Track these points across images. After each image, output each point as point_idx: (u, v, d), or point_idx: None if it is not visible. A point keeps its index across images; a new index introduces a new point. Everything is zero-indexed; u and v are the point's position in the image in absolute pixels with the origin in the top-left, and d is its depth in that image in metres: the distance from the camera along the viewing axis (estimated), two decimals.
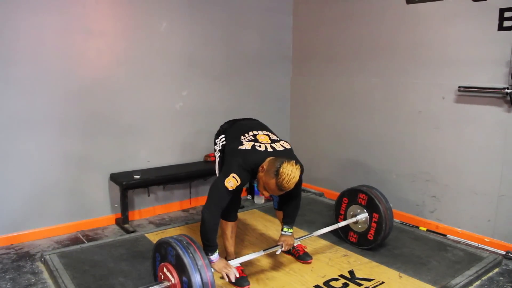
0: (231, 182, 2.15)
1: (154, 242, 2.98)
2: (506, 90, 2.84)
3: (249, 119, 2.76)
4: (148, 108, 3.60)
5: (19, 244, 3.09)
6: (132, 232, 3.27)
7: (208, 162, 3.93)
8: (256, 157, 2.21)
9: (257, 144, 2.28)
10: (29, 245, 3.09)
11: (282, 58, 4.47)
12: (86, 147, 3.33)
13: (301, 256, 2.75)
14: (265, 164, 2.18)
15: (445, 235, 3.26)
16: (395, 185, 3.61)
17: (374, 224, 2.84)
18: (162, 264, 2.08)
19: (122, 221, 3.42)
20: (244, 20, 4.10)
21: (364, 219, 2.89)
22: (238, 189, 2.22)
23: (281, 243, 2.50)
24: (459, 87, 3.07)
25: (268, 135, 2.43)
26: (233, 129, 2.53)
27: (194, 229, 3.28)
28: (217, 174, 2.54)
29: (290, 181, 2.09)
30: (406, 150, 3.52)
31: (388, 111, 3.64)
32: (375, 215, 2.83)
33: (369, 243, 2.88)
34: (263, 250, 2.45)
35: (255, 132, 2.41)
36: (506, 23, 2.82)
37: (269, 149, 2.27)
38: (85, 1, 3.17)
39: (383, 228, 2.79)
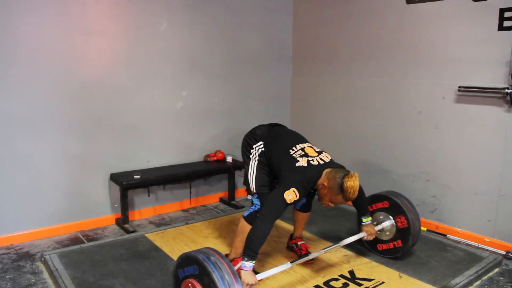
0: (291, 195, 2.20)
1: (154, 242, 3.02)
2: (506, 90, 2.84)
3: (279, 125, 2.76)
4: (148, 108, 3.60)
5: (19, 244, 3.09)
6: (132, 232, 3.27)
7: (208, 162, 3.93)
8: (314, 173, 2.30)
9: (309, 158, 2.37)
10: (29, 245, 3.09)
11: (282, 58, 4.46)
12: (86, 147, 3.33)
13: (302, 255, 2.75)
14: (325, 181, 2.26)
15: (445, 235, 3.26)
16: (395, 185, 3.61)
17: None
18: (194, 280, 1.93)
19: (122, 221, 3.42)
20: (244, 20, 4.10)
21: (388, 223, 2.77)
22: (294, 203, 2.27)
23: (365, 233, 2.63)
24: (459, 87, 3.07)
25: (312, 147, 2.51)
26: (274, 139, 2.56)
27: (195, 229, 3.29)
28: (249, 178, 2.56)
29: (355, 192, 2.19)
30: (406, 150, 3.52)
31: (388, 111, 3.64)
32: (401, 238, 2.72)
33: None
34: (291, 262, 2.31)
35: (302, 146, 2.48)
36: (506, 23, 2.83)
37: (321, 162, 2.36)
38: (85, 1, 3.17)
39: (410, 245, 2.70)
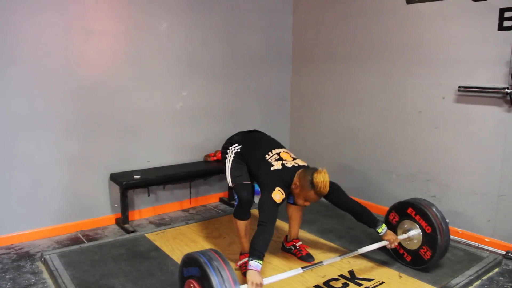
0: (278, 195, 2.31)
1: (154, 242, 3.01)
2: (506, 90, 2.83)
3: (256, 131, 2.85)
4: (148, 108, 3.60)
5: (19, 244, 3.09)
6: (132, 232, 3.26)
7: (208, 162, 3.93)
8: (288, 175, 2.42)
9: (284, 162, 2.49)
10: (29, 245, 3.09)
11: (282, 58, 4.47)
12: (86, 147, 3.33)
13: (303, 257, 2.75)
14: (297, 181, 2.38)
15: None
16: (395, 185, 3.61)
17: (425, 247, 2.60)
18: (195, 282, 1.93)
19: (122, 221, 3.42)
20: (244, 20, 4.10)
21: (417, 235, 2.63)
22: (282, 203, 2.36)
23: (387, 242, 2.56)
24: (459, 87, 3.07)
25: (288, 152, 2.62)
26: (250, 143, 2.65)
27: (195, 229, 3.29)
28: (227, 175, 2.62)
29: (325, 186, 2.30)
30: (406, 150, 3.52)
31: (388, 111, 3.64)
32: (429, 247, 2.58)
33: (424, 262, 2.62)
34: (302, 268, 2.24)
35: (278, 151, 2.59)
36: (506, 23, 2.82)
37: (295, 165, 2.48)
38: (85, 1, 3.17)
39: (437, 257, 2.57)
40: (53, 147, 3.18)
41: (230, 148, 2.65)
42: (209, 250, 2.00)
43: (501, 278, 2.64)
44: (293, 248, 2.82)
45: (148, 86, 3.58)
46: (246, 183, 2.55)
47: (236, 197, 2.56)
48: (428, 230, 2.57)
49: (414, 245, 2.65)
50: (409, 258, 2.68)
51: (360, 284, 2.47)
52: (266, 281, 2.06)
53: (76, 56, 3.20)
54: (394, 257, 2.76)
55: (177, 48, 3.69)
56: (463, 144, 3.16)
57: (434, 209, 2.61)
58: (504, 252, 2.93)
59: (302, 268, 2.25)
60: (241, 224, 2.57)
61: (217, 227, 3.32)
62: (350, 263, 2.72)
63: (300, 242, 2.83)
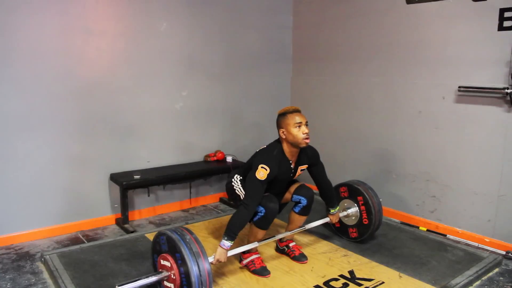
0: (261, 172, 2.37)
1: None
2: (506, 90, 2.84)
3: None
4: (148, 108, 3.60)
5: (19, 244, 3.10)
6: (132, 232, 3.27)
7: (208, 162, 3.93)
8: (274, 144, 2.56)
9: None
10: (29, 245, 3.09)
11: (282, 58, 4.47)
12: (86, 147, 3.33)
13: (296, 256, 2.75)
14: (281, 132, 2.49)
15: (445, 235, 3.26)
16: (395, 185, 3.61)
17: (362, 207, 2.95)
18: (161, 255, 2.20)
19: (122, 221, 3.42)
20: (244, 20, 4.10)
21: (353, 209, 3.00)
22: (269, 179, 2.40)
23: (329, 219, 2.91)
24: (459, 87, 3.07)
25: None
26: (245, 167, 2.69)
27: (195, 229, 3.28)
28: (239, 194, 2.61)
29: (291, 106, 2.52)
30: (406, 150, 3.53)
31: (388, 111, 3.64)
32: (359, 198, 2.96)
33: (368, 228, 2.93)
34: (258, 242, 2.55)
35: None
36: (506, 23, 2.83)
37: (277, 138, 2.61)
38: (85, 1, 3.18)
39: (371, 205, 2.90)
40: (53, 147, 3.18)
41: (233, 181, 2.67)
42: (179, 227, 2.23)
43: (501, 278, 2.64)
44: (286, 248, 2.82)
45: (148, 86, 3.58)
46: (269, 194, 2.52)
47: (261, 208, 2.48)
48: (362, 203, 2.97)
49: (352, 221, 3.02)
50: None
51: (360, 284, 2.47)
52: (230, 253, 2.37)
53: (76, 56, 3.20)
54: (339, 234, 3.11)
55: (177, 48, 3.70)
56: (463, 144, 3.16)
57: (366, 187, 2.99)
58: (504, 252, 2.93)
59: (258, 241, 2.54)
60: (262, 233, 2.54)
61: (217, 227, 3.32)
62: (350, 263, 2.73)
63: (294, 243, 2.83)
